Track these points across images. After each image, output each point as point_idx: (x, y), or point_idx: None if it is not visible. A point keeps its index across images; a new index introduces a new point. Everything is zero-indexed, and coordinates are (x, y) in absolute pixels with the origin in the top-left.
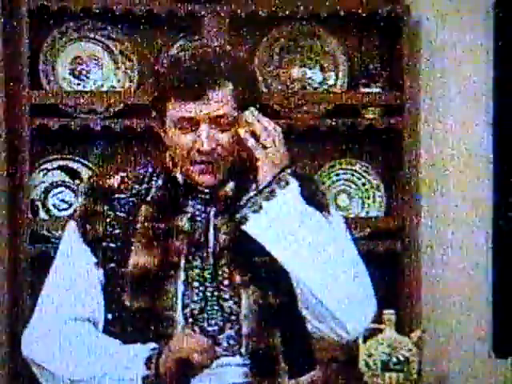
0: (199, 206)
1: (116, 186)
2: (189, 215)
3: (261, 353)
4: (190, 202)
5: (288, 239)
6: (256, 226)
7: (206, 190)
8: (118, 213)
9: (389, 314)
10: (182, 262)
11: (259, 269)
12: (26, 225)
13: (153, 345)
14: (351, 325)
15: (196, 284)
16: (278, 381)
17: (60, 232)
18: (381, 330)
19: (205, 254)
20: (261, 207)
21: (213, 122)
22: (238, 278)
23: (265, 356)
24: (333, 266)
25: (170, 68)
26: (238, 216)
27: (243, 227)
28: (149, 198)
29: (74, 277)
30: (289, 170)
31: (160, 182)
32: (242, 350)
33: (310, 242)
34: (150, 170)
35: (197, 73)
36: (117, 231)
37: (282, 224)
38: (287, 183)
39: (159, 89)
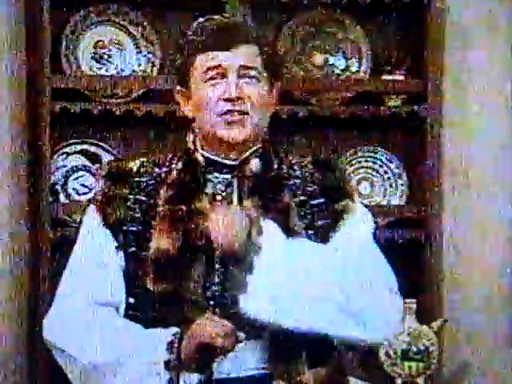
0: (220, 186)
1: (135, 169)
2: (210, 196)
3: (281, 341)
4: (211, 183)
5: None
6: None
7: (229, 163)
8: (138, 196)
9: (410, 302)
10: (203, 244)
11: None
12: (47, 209)
13: (175, 329)
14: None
15: (217, 266)
16: (298, 369)
17: (80, 216)
18: (401, 319)
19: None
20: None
21: (241, 74)
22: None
23: (285, 345)
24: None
25: (197, 31)
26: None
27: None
28: (169, 181)
29: (95, 261)
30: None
31: (180, 164)
32: (262, 334)
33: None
34: (170, 154)
35: (225, 29)
36: (137, 215)
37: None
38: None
39: (187, 51)
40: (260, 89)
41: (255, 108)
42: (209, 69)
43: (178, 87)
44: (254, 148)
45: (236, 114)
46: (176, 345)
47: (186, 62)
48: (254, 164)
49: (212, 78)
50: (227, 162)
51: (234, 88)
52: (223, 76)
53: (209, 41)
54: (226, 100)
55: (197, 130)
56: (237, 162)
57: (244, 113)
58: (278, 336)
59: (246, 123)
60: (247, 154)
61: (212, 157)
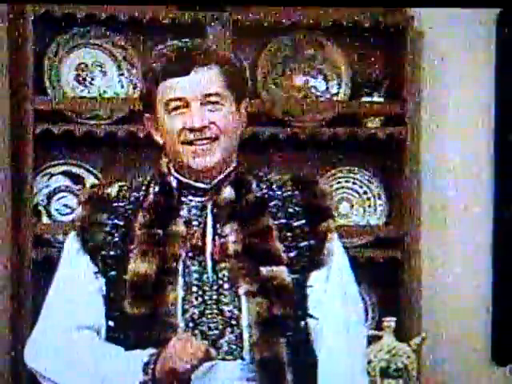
0: (194, 211)
1: (114, 194)
2: (184, 220)
3: (266, 361)
4: (185, 206)
5: None
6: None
7: (202, 186)
8: (116, 221)
9: (388, 321)
10: (180, 267)
11: (267, 280)
12: (30, 229)
13: (152, 350)
14: None
15: (195, 289)
16: None
17: (63, 236)
18: (380, 337)
19: (202, 259)
20: None
21: (204, 102)
22: (243, 287)
23: (270, 365)
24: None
25: (156, 58)
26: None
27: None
28: (146, 205)
29: (75, 286)
30: None
31: (156, 188)
32: (244, 355)
33: None
34: (149, 177)
35: (184, 52)
36: (116, 239)
37: None
38: None
39: (148, 79)
40: (225, 112)
41: (222, 133)
42: (170, 100)
43: (147, 114)
44: (227, 172)
45: (203, 142)
46: (152, 366)
47: (149, 90)
48: (228, 192)
49: (175, 109)
50: (200, 185)
51: (197, 118)
52: (186, 105)
53: (168, 67)
54: (191, 130)
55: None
56: (209, 186)
57: (211, 139)
58: (263, 359)
59: (213, 149)
60: (220, 177)
61: (185, 180)
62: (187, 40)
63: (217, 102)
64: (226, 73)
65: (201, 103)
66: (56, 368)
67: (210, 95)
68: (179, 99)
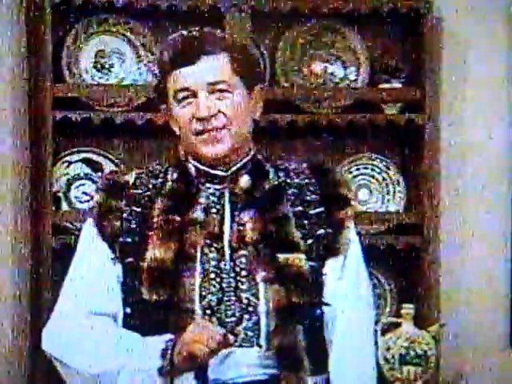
0: (212, 198)
1: (132, 181)
2: (203, 207)
3: (284, 349)
4: (204, 194)
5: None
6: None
7: (219, 173)
8: (134, 208)
9: (407, 308)
10: (198, 254)
11: (284, 267)
12: (49, 217)
13: (169, 336)
14: None
15: (212, 275)
16: (301, 376)
17: (82, 224)
18: (399, 324)
19: (220, 246)
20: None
21: (211, 90)
22: (261, 275)
23: (288, 352)
24: None
25: (168, 47)
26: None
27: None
28: (164, 192)
29: (92, 273)
30: None
31: (175, 175)
32: (261, 342)
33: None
34: (166, 164)
35: (192, 41)
36: (133, 226)
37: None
38: None
39: (159, 70)
40: (234, 100)
41: (231, 120)
42: (178, 90)
43: (164, 106)
44: (243, 161)
45: (212, 131)
46: (169, 351)
47: (161, 82)
48: (244, 181)
49: (183, 99)
50: (217, 172)
51: (204, 107)
52: (193, 95)
53: (174, 58)
54: (199, 119)
55: None
56: (226, 174)
57: (220, 128)
58: (281, 346)
59: (224, 138)
60: (236, 167)
61: (202, 167)
62: (195, 29)
63: (225, 90)
64: (235, 60)
65: (208, 92)
66: (73, 354)
67: (217, 83)
68: (186, 89)
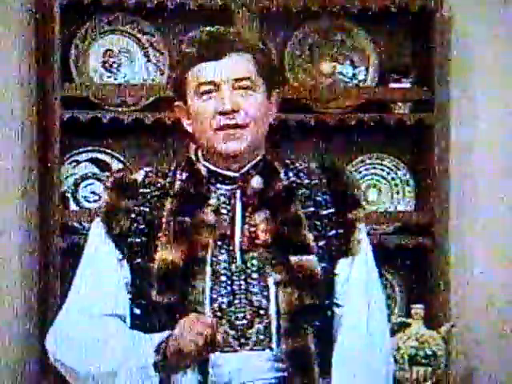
0: (223, 199)
1: (140, 180)
2: (213, 208)
3: (295, 352)
4: (214, 195)
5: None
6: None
7: (231, 175)
8: (142, 208)
9: (417, 308)
10: (209, 256)
11: (296, 269)
12: (57, 216)
13: (167, 332)
14: None
15: (223, 278)
16: (312, 379)
17: (90, 223)
18: (409, 324)
19: (231, 248)
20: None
21: (236, 87)
22: (273, 277)
23: (299, 355)
24: None
25: (189, 44)
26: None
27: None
28: (173, 192)
29: (100, 273)
30: None
31: (184, 175)
32: (273, 345)
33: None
34: (174, 164)
35: (216, 39)
36: (142, 226)
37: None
38: None
39: (180, 65)
40: (256, 99)
41: (252, 119)
42: (201, 84)
43: (177, 102)
44: (255, 161)
45: (233, 127)
46: (163, 346)
47: (180, 76)
48: (256, 182)
49: (206, 92)
50: (228, 173)
51: (228, 101)
52: (217, 89)
53: (199, 52)
54: (221, 114)
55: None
56: (238, 174)
57: (241, 126)
58: (292, 349)
59: (243, 136)
60: (248, 167)
61: (213, 168)
62: (219, 27)
63: (248, 87)
64: (258, 61)
65: (232, 87)
66: (73, 354)
67: (241, 79)
68: (210, 82)
